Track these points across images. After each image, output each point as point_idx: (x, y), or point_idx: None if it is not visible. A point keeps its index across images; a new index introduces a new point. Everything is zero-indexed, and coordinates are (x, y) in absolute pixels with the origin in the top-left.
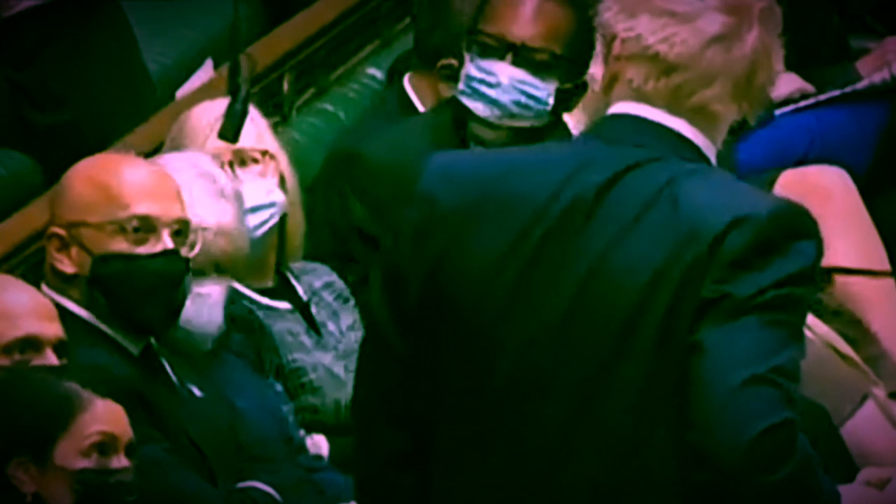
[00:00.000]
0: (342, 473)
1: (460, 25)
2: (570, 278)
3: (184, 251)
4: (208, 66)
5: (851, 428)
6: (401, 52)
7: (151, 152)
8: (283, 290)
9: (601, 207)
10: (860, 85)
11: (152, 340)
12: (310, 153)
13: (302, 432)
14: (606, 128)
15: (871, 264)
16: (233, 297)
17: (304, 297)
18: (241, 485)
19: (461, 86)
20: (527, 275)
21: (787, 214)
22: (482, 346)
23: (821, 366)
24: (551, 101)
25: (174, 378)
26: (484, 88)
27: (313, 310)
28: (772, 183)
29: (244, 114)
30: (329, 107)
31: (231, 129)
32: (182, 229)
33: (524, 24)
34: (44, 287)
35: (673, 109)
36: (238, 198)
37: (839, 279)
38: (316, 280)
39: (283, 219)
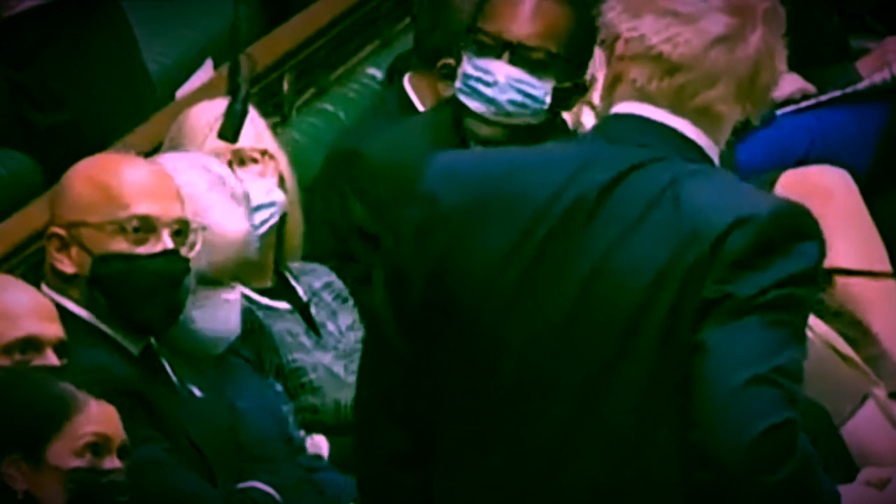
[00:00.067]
0: (342, 473)
1: (460, 25)
2: (573, 278)
3: (184, 251)
4: (208, 66)
5: (851, 428)
6: (401, 52)
7: (151, 152)
8: (282, 290)
9: (604, 207)
10: (861, 85)
11: (152, 340)
12: (310, 153)
13: (302, 432)
14: (609, 127)
15: (872, 265)
16: None
17: (304, 298)
18: (241, 485)
19: (458, 84)
20: (529, 274)
21: (790, 215)
22: (484, 345)
23: (821, 366)
24: (548, 99)
25: (174, 378)
26: (480, 87)
27: (313, 310)
28: (772, 183)
29: (244, 114)
30: (329, 107)
31: (231, 128)
32: (182, 229)
33: (521, 23)
34: (44, 287)
35: (676, 110)
36: (247, 199)
37: (840, 280)
38: (315, 280)
39: (283, 218)
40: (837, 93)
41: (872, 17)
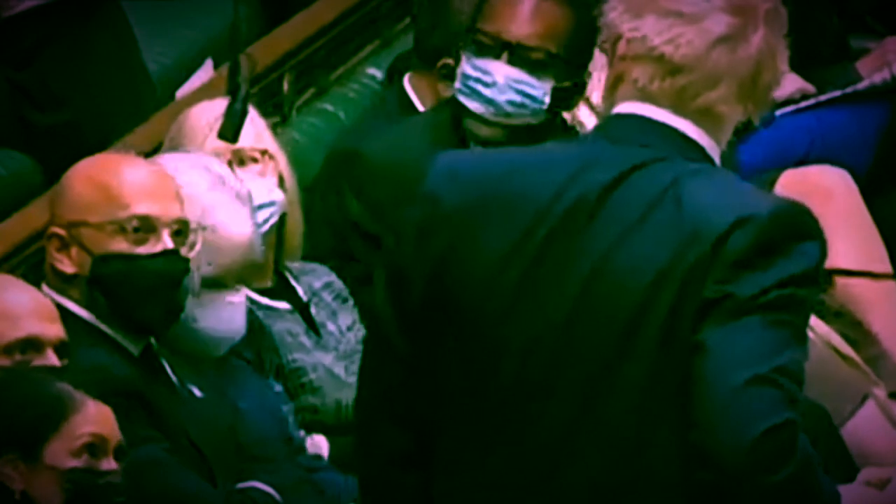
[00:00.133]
0: (342, 473)
1: (460, 25)
2: (574, 278)
3: (184, 251)
4: (208, 66)
5: (851, 428)
6: (401, 52)
7: (151, 152)
8: (282, 290)
9: (605, 207)
10: (861, 85)
11: (152, 341)
12: (310, 153)
13: (302, 432)
14: (611, 127)
15: (873, 265)
16: None
17: (304, 298)
18: (241, 485)
19: (457, 84)
20: (530, 274)
21: (791, 215)
22: (485, 345)
23: (821, 366)
24: (547, 99)
25: (174, 378)
26: (479, 87)
27: (313, 310)
28: (772, 183)
29: (244, 114)
30: (329, 107)
31: (231, 129)
32: (182, 229)
33: (520, 23)
34: (44, 287)
35: (678, 110)
36: (250, 199)
37: (840, 280)
38: (315, 280)
39: (282, 218)
40: (837, 93)
41: (872, 17)
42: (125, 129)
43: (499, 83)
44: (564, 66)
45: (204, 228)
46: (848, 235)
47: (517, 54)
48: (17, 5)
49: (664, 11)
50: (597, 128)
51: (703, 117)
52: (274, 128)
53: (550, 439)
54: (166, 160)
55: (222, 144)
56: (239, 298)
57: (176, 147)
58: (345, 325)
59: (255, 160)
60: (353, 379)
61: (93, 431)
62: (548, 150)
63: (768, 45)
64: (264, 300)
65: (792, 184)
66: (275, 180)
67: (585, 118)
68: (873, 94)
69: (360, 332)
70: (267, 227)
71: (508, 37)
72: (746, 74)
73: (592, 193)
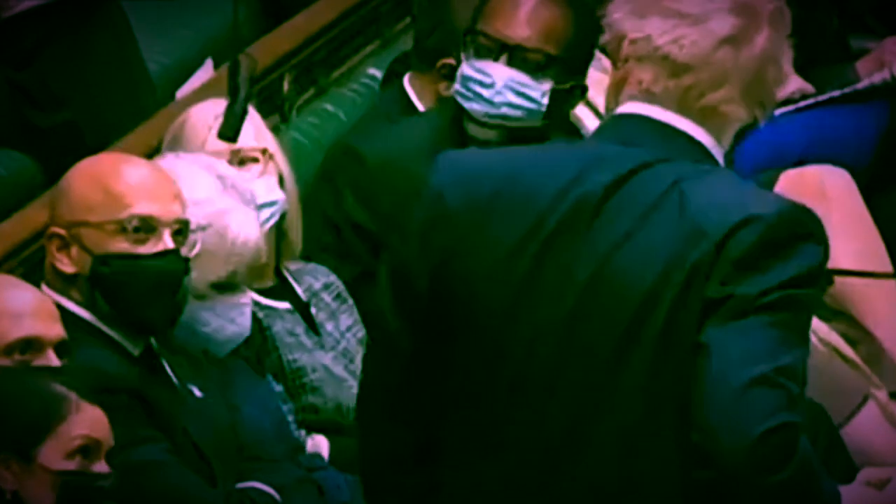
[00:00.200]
0: (342, 473)
1: (460, 25)
2: (577, 277)
3: (184, 251)
4: (208, 66)
5: (851, 428)
6: (398, 54)
7: (151, 152)
8: (282, 290)
9: (609, 207)
10: (860, 85)
11: (152, 341)
12: (310, 153)
13: (302, 432)
14: (615, 128)
15: (872, 265)
16: None
17: (304, 298)
18: (241, 485)
19: (457, 86)
20: (534, 273)
21: (794, 216)
22: (488, 344)
23: (822, 367)
24: (545, 101)
25: (174, 378)
26: (479, 88)
27: (312, 310)
28: (772, 183)
29: (244, 114)
30: (329, 107)
31: (231, 129)
32: (182, 229)
33: (520, 25)
34: (44, 287)
35: (682, 110)
36: (254, 201)
37: (840, 280)
38: (315, 280)
39: (282, 217)
40: (837, 93)
41: (872, 17)
42: (125, 129)
43: (497, 85)
44: (564, 68)
45: (204, 229)
46: (848, 235)
47: (516, 56)
48: (17, 5)
49: (668, 12)
50: (601, 128)
51: (707, 118)
52: (274, 128)
53: (552, 439)
54: (173, 162)
55: (222, 144)
56: (245, 299)
57: (176, 147)
58: (344, 326)
59: (255, 160)
60: (353, 379)
61: (87, 434)
62: (552, 149)
63: (773, 46)
64: (265, 300)
65: (791, 184)
66: (275, 180)
67: (585, 118)
68: (873, 94)
69: (359, 332)
70: (268, 226)
71: (507, 39)
72: (751, 75)
73: (596, 193)
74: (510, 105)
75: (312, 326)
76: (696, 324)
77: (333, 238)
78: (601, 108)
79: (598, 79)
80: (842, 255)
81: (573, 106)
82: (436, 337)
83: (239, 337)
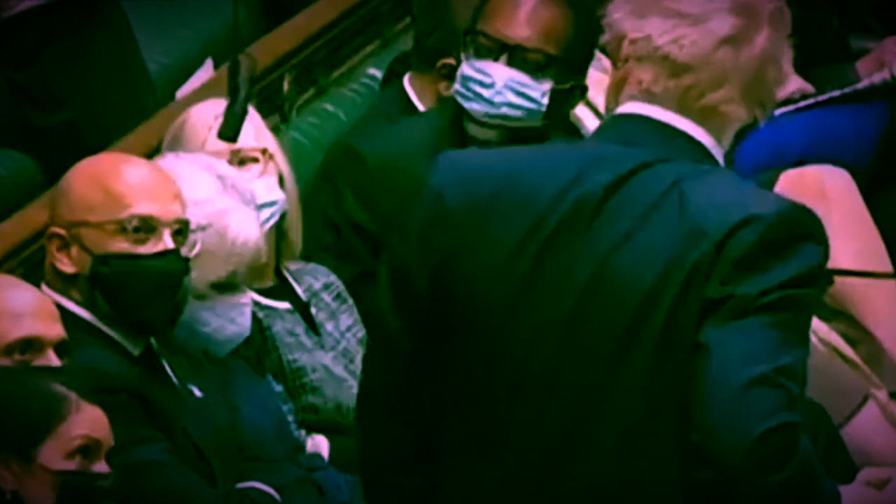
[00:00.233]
0: (342, 473)
1: (460, 25)
2: (577, 277)
3: (184, 251)
4: (208, 66)
5: (851, 428)
6: (398, 54)
7: (151, 152)
8: (282, 290)
9: (608, 207)
10: (860, 85)
11: (152, 340)
12: (310, 153)
13: (302, 432)
14: (615, 128)
15: (872, 265)
16: None
17: (304, 298)
18: (241, 485)
19: (457, 86)
20: (534, 273)
21: (795, 216)
22: (487, 343)
23: (822, 367)
24: (545, 101)
25: (174, 378)
26: (479, 88)
27: (312, 310)
28: (772, 183)
29: (244, 114)
30: (329, 107)
31: (231, 129)
32: (182, 229)
33: (520, 25)
34: (44, 287)
35: (682, 110)
36: (254, 201)
37: (840, 280)
38: (315, 280)
39: (282, 217)
40: (837, 93)
41: (872, 17)
42: (125, 129)
43: (498, 85)
44: (564, 68)
45: (204, 229)
46: (848, 235)
47: (516, 56)
48: (17, 5)
49: (668, 12)
50: (601, 128)
51: (707, 118)
52: (274, 128)
53: (552, 439)
54: (173, 162)
55: (222, 144)
56: (245, 299)
57: (176, 147)
58: (344, 326)
59: (255, 160)
60: (353, 379)
61: (87, 434)
62: (552, 149)
63: (773, 46)
64: (265, 300)
65: (791, 184)
66: (275, 179)
67: (585, 118)
68: (873, 94)
69: (359, 332)
70: (268, 226)
71: (508, 39)
72: (751, 75)
73: (596, 193)
74: (510, 105)
75: (312, 326)
76: (696, 324)
77: (333, 238)
78: (601, 108)
79: (598, 79)
80: (842, 255)
81: (573, 106)
82: (436, 337)
83: (239, 337)
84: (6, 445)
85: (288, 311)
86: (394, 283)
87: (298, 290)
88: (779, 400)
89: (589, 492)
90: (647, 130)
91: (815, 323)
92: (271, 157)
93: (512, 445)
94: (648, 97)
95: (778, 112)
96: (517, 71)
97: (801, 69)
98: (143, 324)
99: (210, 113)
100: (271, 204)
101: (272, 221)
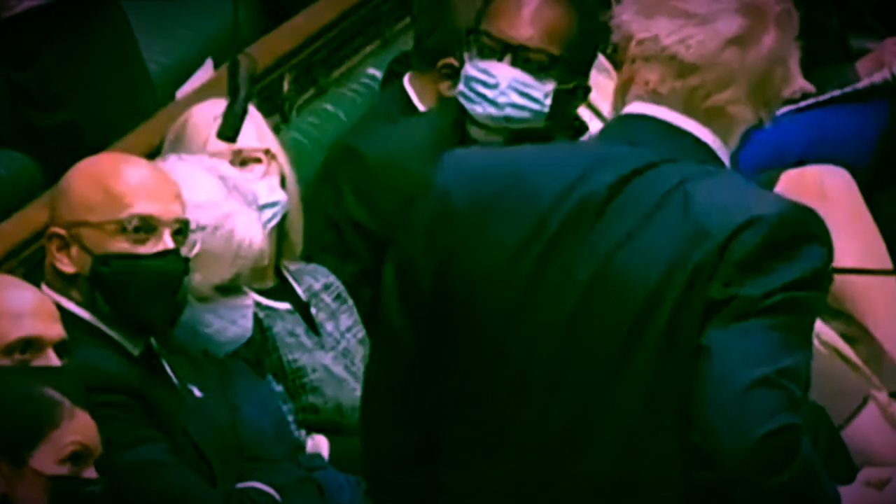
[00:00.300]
0: (342, 473)
1: (460, 25)
2: (580, 276)
3: (184, 251)
4: (208, 66)
5: (852, 429)
6: (397, 54)
7: (152, 152)
8: (282, 290)
9: (612, 206)
10: (860, 85)
11: (152, 341)
12: (310, 153)
13: (302, 432)
14: (621, 128)
15: (873, 264)
16: None
17: (304, 298)
18: (241, 485)
19: (460, 87)
20: (537, 272)
21: (798, 217)
22: (491, 343)
23: (822, 368)
24: (548, 101)
25: (174, 378)
26: (482, 89)
27: (313, 311)
28: (772, 183)
29: (244, 114)
30: (329, 107)
31: (231, 129)
32: (182, 229)
33: (523, 26)
34: (44, 287)
35: (688, 111)
36: (256, 202)
37: (840, 279)
38: (315, 281)
39: (283, 218)
40: (837, 92)
41: (872, 17)
42: (125, 129)
43: (501, 85)
44: (567, 68)
45: (204, 229)
46: (848, 235)
47: (519, 56)
48: (17, 5)
49: (676, 12)
50: (606, 128)
51: (713, 118)
52: (274, 128)
53: (552, 438)
54: (175, 164)
55: (223, 145)
56: (248, 301)
57: (177, 147)
58: (344, 326)
59: (258, 160)
60: (353, 379)
61: (79, 441)
62: (557, 148)
63: (780, 47)
64: (265, 301)
65: (792, 184)
66: (277, 180)
67: (586, 119)
68: (873, 94)
69: (359, 332)
70: (270, 227)
71: (511, 39)
72: (758, 76)
73: (600, 193)
74: (514, 105)
75: (312, 327)
76: (698, 324)
77: (334, 237)
78: (601, 109)
79: (596, 80)
80: (842, 254)
81: (577, 106)
82: (439, 334)
83: (240, 339)
84: None
85: (288, 311)
86: (398, 279)
87: (298, 290)
88: (780, 402)
89: (589, 491)
90: (653, 131)
91: (817, 325)
92: (273, 157)
93: (513, 445)
94: (655, 98)
95: (778, 112)
96: (521, 71)
97: (802, 69)
98: (143, 324)
99: (211, 113)
100: (273, 204)
101: (274, 222)
